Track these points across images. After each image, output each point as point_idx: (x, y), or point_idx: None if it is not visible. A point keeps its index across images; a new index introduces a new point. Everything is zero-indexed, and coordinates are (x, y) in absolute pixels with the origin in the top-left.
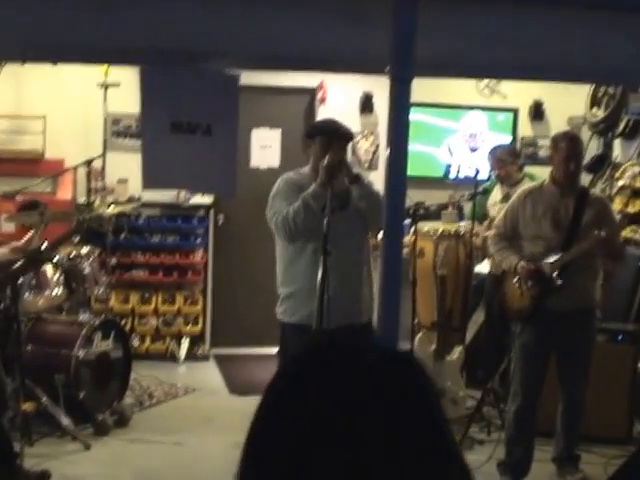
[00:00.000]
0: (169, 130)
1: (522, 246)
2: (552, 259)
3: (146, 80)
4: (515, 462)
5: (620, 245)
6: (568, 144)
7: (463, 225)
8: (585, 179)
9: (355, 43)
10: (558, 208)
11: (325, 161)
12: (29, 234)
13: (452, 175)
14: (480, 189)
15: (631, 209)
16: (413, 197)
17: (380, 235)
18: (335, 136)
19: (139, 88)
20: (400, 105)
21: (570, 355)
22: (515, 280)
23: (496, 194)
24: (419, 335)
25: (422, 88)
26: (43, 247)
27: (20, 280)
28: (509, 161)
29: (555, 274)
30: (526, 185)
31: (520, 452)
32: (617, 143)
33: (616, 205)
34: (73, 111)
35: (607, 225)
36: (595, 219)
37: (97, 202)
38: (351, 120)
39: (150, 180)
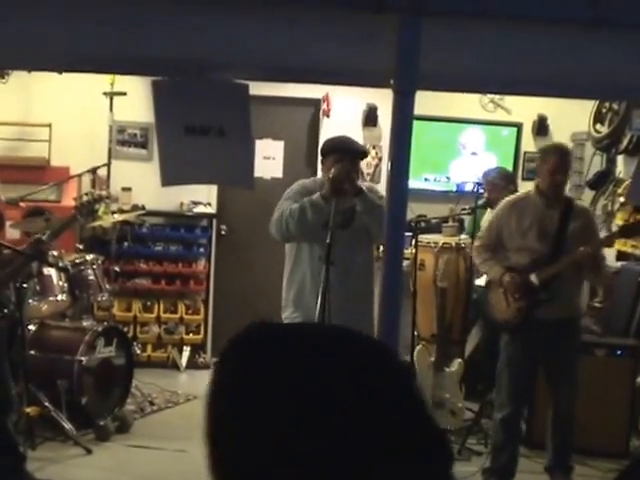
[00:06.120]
0: (183, 133)
1: (507, 257)
2: (539, 271)
3: (158, 91)
4: (501, 467)
5: (602, 258)
6: (558, 157)
7: (464, 238)
8: (588, 195)
9: (360, 56)
10: (544, 219)
11: (331, 174)
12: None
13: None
14: (481, 202)
15: None
16: (415, 210)
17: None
18: (347, 153)
19: (152, 99)
20: (403, 118)
21: (556, 365)
22: (501, 291)
23: (487, 216)
24: (418, 347)
25: (426, 102)
26: (45, 237)
27: (25, 285)
28: (501, 185)
29: (542, 286)
30: (511, 196)
31: (506, 457)
32: (620, 159)
33: (618, 220)
34: (79, 119)
35: (591, 237)
36: (580, 230)
37: (101, 209)
38: (354, 133)
39: (168, 178)
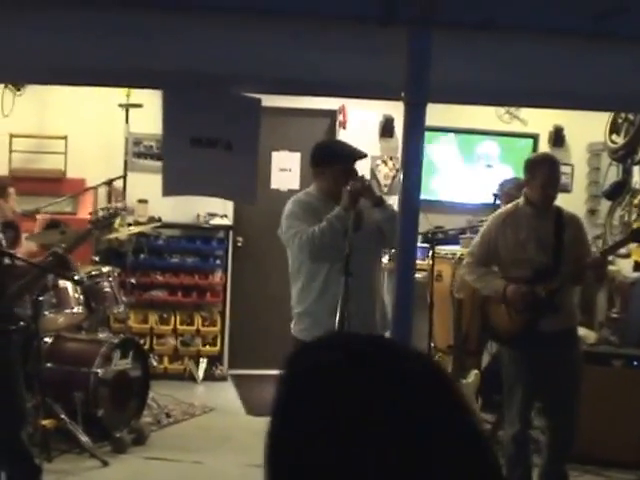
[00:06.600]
0: (189, 145)
1: (505, 270)
2: (545, 283)
3: (168, 102)
4: None
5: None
6: (547, 170)
7: None
8: (604, 205)
9: (371, 69)
10: (539, 230)
11: (349, 186)
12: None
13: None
14: None
15: None
16: (432, 221)
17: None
18: (354, 159)
19: (161, 108)
20: (414, 129)
21: (558, 376)
22: (503, 305)
23: None
24: (435, 358)
25: (442, 113)
26: (60, 249)
27: (41, 297)
28: (517, 196)
29: (548, 298)
30: (499, 210)
31: (521, 470)
32: (636, 170)
33: None
34: (95, 131)
35: (583, 244)
36: (573, 238)
37: (117, 222)
38: (371, 144)
39: (169, 188)
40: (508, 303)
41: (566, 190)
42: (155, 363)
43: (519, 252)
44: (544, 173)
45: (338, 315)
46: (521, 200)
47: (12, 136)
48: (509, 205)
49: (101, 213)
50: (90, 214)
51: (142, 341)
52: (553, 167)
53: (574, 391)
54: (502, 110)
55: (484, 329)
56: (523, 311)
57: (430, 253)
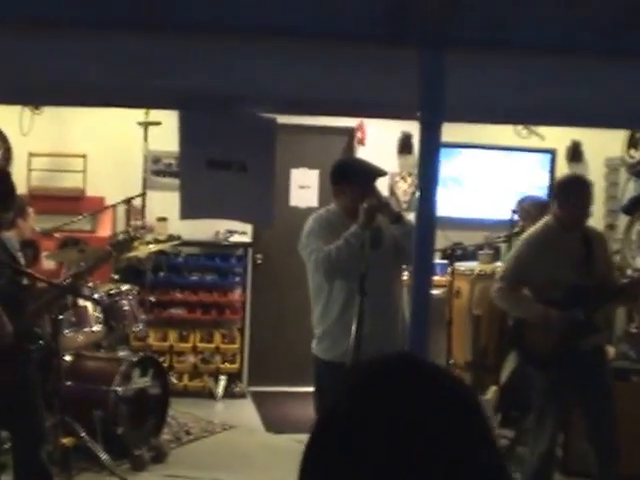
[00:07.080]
0: (205, 167)
1: (538, 292)
2: (585, 304)
3: (184, 123)
4: None
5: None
6: (587, 190)
7: (499, 266)
8: (622, 220)
9: (387, 88)
10: (570, 250)
11: (365, 204)
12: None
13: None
14: (516, 230)
15: None
16: (451, 238)
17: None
18: (373, 177)
19: (178, 130)
20: (430, 149)
21: (595, 394)
22: (542, 328)
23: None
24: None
25: (458, 129)
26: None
27: (60, 316)
28: (534, 215)
29: (587, 319)
30: (529, 231)
31: None
32: None
33: None
34: (114, 150)
35: (608, 261)
36: (601, 256)
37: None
38: (390, 161)
39: (187, 212)
40: (549, 327)
41: None
42: (174, 381)
43: (554, 273)
44: (584, 193)
45: (353, 336)
46: (549, 220)
47: (31, 155)
48: (537, 226)
49: (121, 236)
50: (110, 237)
51: (161, 359)
52: (589, 188)
53: (611, 401)
54: (520, 125)
55: (519, 352)
56: (564, 334)
57: (449, 269)
